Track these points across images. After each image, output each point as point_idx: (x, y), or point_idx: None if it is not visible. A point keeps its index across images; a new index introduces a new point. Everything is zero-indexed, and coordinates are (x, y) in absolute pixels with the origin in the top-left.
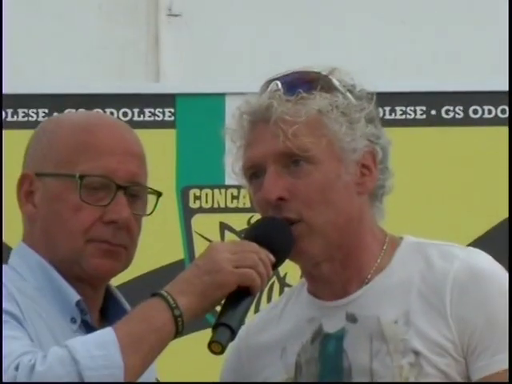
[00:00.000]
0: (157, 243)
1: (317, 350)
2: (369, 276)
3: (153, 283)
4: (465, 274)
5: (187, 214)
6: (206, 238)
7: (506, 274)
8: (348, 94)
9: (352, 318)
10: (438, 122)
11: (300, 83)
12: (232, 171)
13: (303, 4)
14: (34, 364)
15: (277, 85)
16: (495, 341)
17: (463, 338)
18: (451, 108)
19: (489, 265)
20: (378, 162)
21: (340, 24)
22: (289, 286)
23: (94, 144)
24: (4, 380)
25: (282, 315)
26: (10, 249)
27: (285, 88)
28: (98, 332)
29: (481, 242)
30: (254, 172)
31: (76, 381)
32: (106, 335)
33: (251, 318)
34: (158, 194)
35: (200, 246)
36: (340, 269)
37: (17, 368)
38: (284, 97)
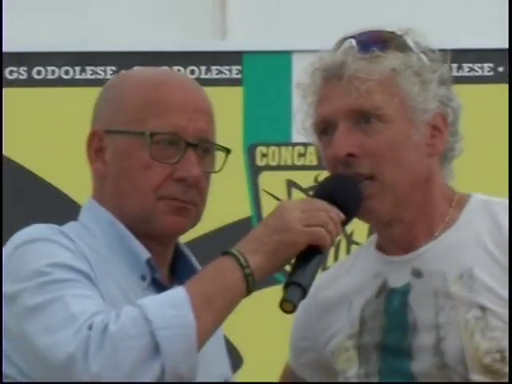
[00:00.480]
0: (224, 200)
1: (382, 305)
2: (436, 233)
3: (220, 240)
4: None
5: (254, 171)
6: (273, 196)
7: None
8: (422, 55)
9: (417, 273)
10: (506, 78)
11: (374, 42)
12: (302, 127)
13: None
14: (107, 323)
15: (351, 42)
16: None
17: None
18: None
19: None
20: (448, 124)
21: None
22: (356, 243)
23: (163, 101)
24: (77, 340)
25: (351, 270)
26: (78, 205)
27: (359, 46)
28: (170, 291)
29: None
30: (324, 128)
31: (149, 340)
32: (178, 294)
33: (318, 276)
34: (227, 151)
35: (267, 204)
36: (409, 229)
37: (90, 327)
38: (358, 54)
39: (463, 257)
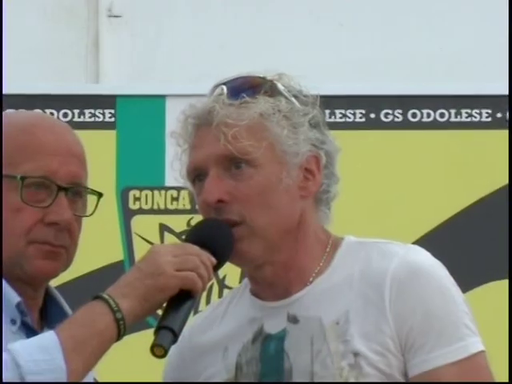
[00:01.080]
0: (97, 244)
1: (258, 351)
2: (311, 279)
3: (92, 284)
4: (403, 271)
5: (127, 215)
6: (145, 240)
7: (445, 271)
8: (292, 99)
9: (293, 319)
10: (377, 125)
11: (244, 88)
12: (180, 175)
13: (248, 4)
14: None
15: (222, 89)
16: (432, 338)
17: (401, 334)
18: (390, 111)
19: (427, 262)
20: (322, 166)
21: (279, 25)
22: (228, 287)
23: (35, 144)
24: None
25: (225, 315)
26: None
27: (229, 92)
28: (41, 335)
29: (422, 242)
30: (197, 175)
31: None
32: (48, 339)
33: (191, 319)
34: (99, 195)
35: (140, 247)
36: (282, 272)
37: None
38: (227, 101)
39: (338, 302)
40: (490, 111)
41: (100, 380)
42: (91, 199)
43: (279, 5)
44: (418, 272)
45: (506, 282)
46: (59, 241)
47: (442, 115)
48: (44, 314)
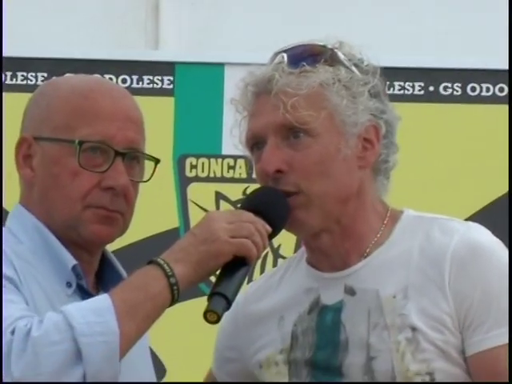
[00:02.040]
0: (152, 210)
1: (314, 321)
2: (368, 249)
3: (148, 250)
4: (464, 248)
5: (183, 182)
6: (201, 207)
7: (505, 250)
8: (353, 68)
9: (350, 291)
10: (435, 98)
11: (305, 56)
12: (239, 141)
13: None
14: (29, 329)
15: (282, 57)
16: (491, 316)
17: (460, 311)
18: (449, 85)
19: (488, 240)
20: (381, 136)
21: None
22: (282, 257)
23: (93, 109)
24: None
25: (280, 284)
26: (7, 212)
27: (289, 60)
28: (94, 298)
29: (479, 217)
30: (255, 143)
31: (71, 346)
32: (102, 302)
33: (245, 287)
34: (156, 161)
35: (195, 215)
36: (339, 241)
37: (13, 332)
38: (287, 69)
39: (396, 276)
40: None
41: (154, 346)
42: (148, 165)
43: None
44: (479, 250)
45: None
46: (115, 206)
47: (501, 89)
48: (100, 277)
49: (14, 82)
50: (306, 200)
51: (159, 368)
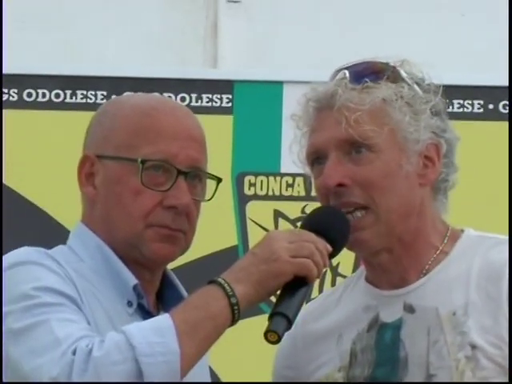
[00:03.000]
0: (211, 228)
1: (373, 339)
2: (427, 267)
3: (206, 268)
4: None
5: (242, 200)
6: (259, 225)
7: None
8: (415, 86)
9: (410, 309)
10: (495, 116)
11: (367, 73)
12: (297, 158)
13: None
14: (91, 349)
15: (344, 74)
16: None
17: None
18: (508, 102)
19: None
20: (441, 155)
21: (400, 14)
22: (341, 276)
23: (156, 128)
24: (62, 364)
25: (339, 303)
26: (66, 230)
27: (352, 77)
28: (155, 318)
29: None
30: (316, 158)
31: (132, 366)
32: (163, 322)
33: (304, 306)
34: (218, 180)
35: (254, 233)
36: (398, 258)
37: (74, 352)
38: (350, 85)
39: (456, 294)
40: None
41: (213, 365)
42: (210, 184)
43: None
44: None
45: None
46: (177, 225)
47: None
48: (160, 296)
49: (73, 100)
50: (375, 218)
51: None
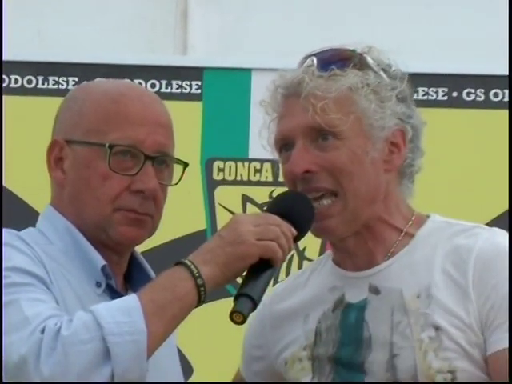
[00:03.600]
0: (181, 212)
1: (338, 319)
2: (392, 250)
3: (175, 251)
4: (487, 251)
5: (210, 185)
6: (228, 210)
7: None
8: (381, 73)
9: (375, 290)
10: (459, 104)
11: (334, 60)
12: (267, 143)
13: None
14: (59, 328)
15: (312, 60)
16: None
17: (482, 312)
18: (472, 90)
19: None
20: (407, 140)
21: (367, 1)
22: (308, 259)
23: (124, 114)
24: (30, 343)
25: (307, 284)
26: (36, 212)
27: (319, 64)
28: (123, 298)
29: (500, 221)
30: (284, 144)
31: (100, 345)
32: (130, 302)
33: (271, 288)
34: (185, 165)
35: (222, 217)
36: (364, 242)
37: (43, 331)
38: (317, 72)
39: (420, 276)
40: None
41: (180, 345)
42: (177, 169)
43: None
44: (502, 253)
45: None
46: (144, 209)
47: None
48: (129, 278)
49: (45, 86)
50: (342, 206)
51: (186, 367)
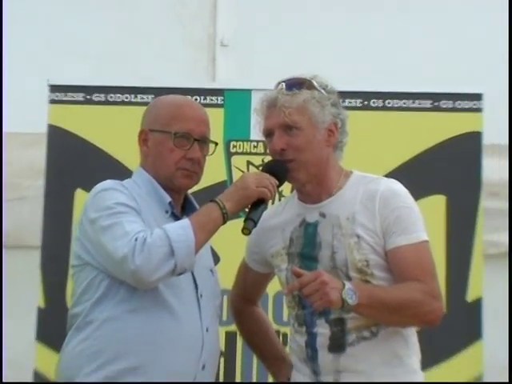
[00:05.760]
0: (211, 171)
1: (302, 231)
2: (332, 192)
3: (208, 194)
4: (387, 191)
5: (229, 155)
6: (239, 169)
7: (409, 194)
8: (322, 90)
9: (323, 215)
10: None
11: (295, 84)
12: (260, 132)
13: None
14: (145, 238)
15: (282, 85)
16: (400, 229)
17: (383, 225)
18: (375, 100)
19: (400, 188)
20: (338, 128)
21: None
22: (283, 196)
23: (182, 114)
24: (129, 246)
25: (283, 211)
26: (130, 171)
27: (286, 87)
28: (180, 221)
29: (396, 173)
30: (268, 134)
31: (168, 248)
32: (185, 222)
33: (265, 212)
34: (215, 144)
35: (236, 174)
36: (316, 187)
37: (136, 239)
38: (285, 92)
39: (349, 207)
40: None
41: (214, 246)
42: (211, 146)
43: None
44: (395, 193)
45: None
46: (193, 168)
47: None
48: (184, 208)
49: (134, 100)
50: (299, 166)
51: (215, 257)
